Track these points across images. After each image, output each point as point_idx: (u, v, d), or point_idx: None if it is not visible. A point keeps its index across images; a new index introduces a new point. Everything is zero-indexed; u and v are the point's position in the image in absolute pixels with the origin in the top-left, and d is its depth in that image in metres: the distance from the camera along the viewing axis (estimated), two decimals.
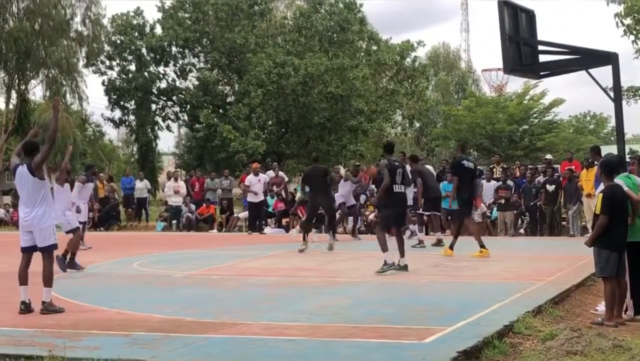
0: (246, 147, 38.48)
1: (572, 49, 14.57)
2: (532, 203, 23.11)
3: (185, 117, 46.83)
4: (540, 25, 14.86)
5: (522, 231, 23.53)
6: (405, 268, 13.19)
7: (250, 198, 24.78)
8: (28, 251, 9.99)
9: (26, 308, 9.71)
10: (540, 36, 15.01)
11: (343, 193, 21.45)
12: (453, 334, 7.89)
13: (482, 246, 15.75)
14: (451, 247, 16.00)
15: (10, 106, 41.28)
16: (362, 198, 24.80)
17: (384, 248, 12.97)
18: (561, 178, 22.90)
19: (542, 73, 16.12)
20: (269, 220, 26.24)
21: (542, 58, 14.90)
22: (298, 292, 11.42)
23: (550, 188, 22.53)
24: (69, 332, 8.37)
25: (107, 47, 43.96)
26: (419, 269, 13.90)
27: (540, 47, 14.84)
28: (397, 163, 13.72)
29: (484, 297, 10.29)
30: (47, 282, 9.80)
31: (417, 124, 61.52)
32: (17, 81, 40.63)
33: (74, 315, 9.55)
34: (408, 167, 17.20)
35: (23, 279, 9.85)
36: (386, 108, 45.41)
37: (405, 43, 45.52)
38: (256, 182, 24.77)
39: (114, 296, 11.28)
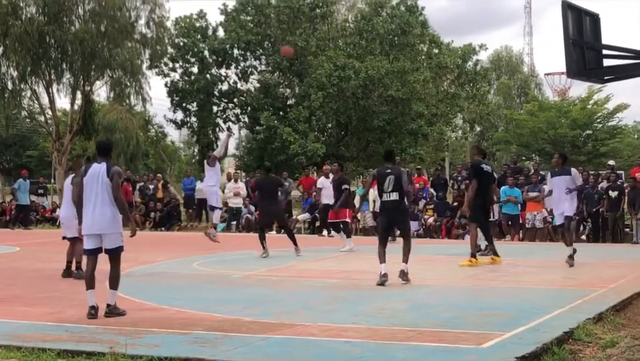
0: (306, 150, 38.57)
1: (638, 54, 14.33)
2: (594, 209, 22.78)
3: (246, 119, 47.18)
4: (604, 28, 14.63)
5: (583, 237, 23.20)
6: None
7: (326, 199, 23.92)
8: (93, 253, 9.72)
9: (95, 313, 9.41)
10: (605, 40, 14.78)
11: None
12: (512, 340, 7.84)
13: (473, 255, 15.21)
14: (495, 253, 15.66)
15: (75, 107, 41.99)
16: (422, 202, 24.69)
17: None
18: (625, 185, 22.51)
19: (606, 77, 15.85)
20: None
21: (607, 62, 14.67)
22: (356, 295, 11.42)
23: (613, 194, 22.19)
24: (130, 329, 8.50)
25: (170, 50, 44.49)
26: (478, 274, 13.82)
27: (605, 52, 14.62)
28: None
29: (544, 303, 10.18)
30: (114, 285, 9.66)
31: (478, 128, 61.27)
32: (82, 82, 41.28)
33: (135, 312, 9.68)
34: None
35: (90, 283, 9.56)
36: (447, 112, 45.18)
37: (467, 46, 45.24)
38: (328, 184, 24.51)
39: (174, 295, 11.41)
